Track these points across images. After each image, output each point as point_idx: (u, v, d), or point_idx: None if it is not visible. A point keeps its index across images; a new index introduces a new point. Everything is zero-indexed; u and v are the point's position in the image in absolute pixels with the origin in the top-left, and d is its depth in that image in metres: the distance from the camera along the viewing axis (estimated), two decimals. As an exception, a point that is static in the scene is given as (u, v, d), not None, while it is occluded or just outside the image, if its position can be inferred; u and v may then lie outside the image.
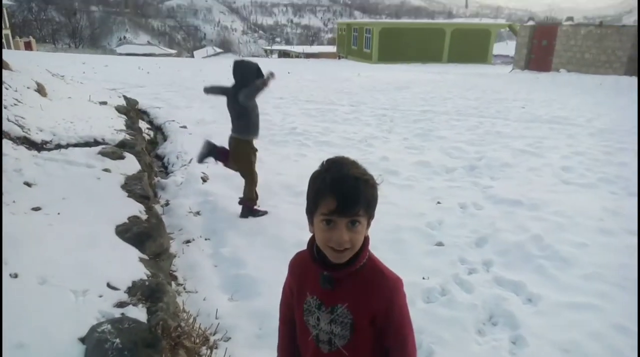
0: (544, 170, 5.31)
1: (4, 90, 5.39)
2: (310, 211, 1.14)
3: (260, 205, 4.17)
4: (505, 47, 42.29)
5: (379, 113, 9.10)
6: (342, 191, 1.05)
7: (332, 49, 48.84)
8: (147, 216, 3.29)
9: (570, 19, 19.04)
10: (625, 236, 3.53)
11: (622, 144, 6.50)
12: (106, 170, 3.89)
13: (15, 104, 5.16)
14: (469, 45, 31.20)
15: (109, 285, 2.29)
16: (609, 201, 4.34)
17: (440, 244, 3.45)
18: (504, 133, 7.24)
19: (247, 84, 3.63)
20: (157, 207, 4.02)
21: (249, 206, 3.90)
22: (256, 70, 3.65)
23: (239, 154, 3.88)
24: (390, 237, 3.49)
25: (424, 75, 18.65)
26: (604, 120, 8.30)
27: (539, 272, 3.04)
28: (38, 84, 6.35)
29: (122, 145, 4.77)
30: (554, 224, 3.72)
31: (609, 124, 7.97)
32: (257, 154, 4.07)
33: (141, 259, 2.67)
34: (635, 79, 14.72)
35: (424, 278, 2.95)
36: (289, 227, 3.64)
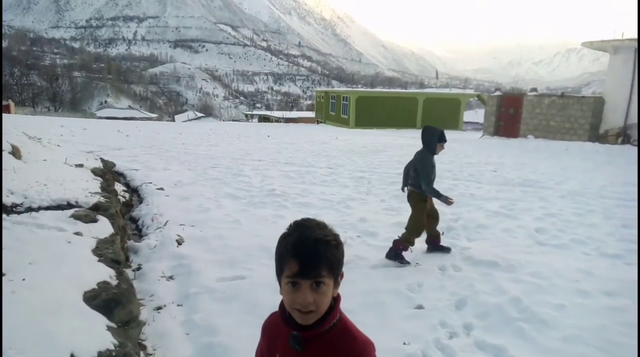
0: (519, 231, 5.41)
1: (-23, 152, 5.31)
2: (278, 274, 1.16)
3: (235, 267, 4.08)
4: (475, 115, 44.51)
5: (357, 175, 9.26)
6: (303, 254, 1.08)
7: (311, 114, 50.49)
8: (117, 281, 3.17)
9: (534, 89, 20.35)
10: (601, 297, 3.56)
11: (591, 206, 6.73)
12: (77, 233, 3.78)
13: (-13, 166, 5.06)
14: (441, 113, 32.75)
15: (72, 356, 2.14)
16: (583, 261, 4.41)
17: (420, 307, 3.40)
18: (477, 195, 7.43)
19: (430, 146, 4.52)
20: (129, 272, 3.87)
21: (402, 249, 4.30)
22: (439, 135, 4.52)
23: (415, 203, 4.62)
24: (369, 300, 3.42)
25: (399, 139, 19.31)
26: (573, 183, 8.64)
27: (519, 335, 2.99)
28: (13, 147, 6.29)
29: (96, 208, 4.68)
30: (531, 286, 3.73)
31: (578, 187, 8.29)
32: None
33: (109, 328, 2.52)
34: (598, 145, 15.57)
35: (404, 343, 2.87)
36: (266, 292, 3.53)
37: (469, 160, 11.87)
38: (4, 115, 31.42)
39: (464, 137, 21.99)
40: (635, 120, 16.00)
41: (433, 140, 4.38)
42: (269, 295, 3.45)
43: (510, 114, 19.82)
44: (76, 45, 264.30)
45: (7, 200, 4.45)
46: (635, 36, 16.34)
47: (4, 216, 4.05)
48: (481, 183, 8.59)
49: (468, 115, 40.55)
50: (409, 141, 18.10)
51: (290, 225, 1.17)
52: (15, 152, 6.25)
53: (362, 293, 3.49)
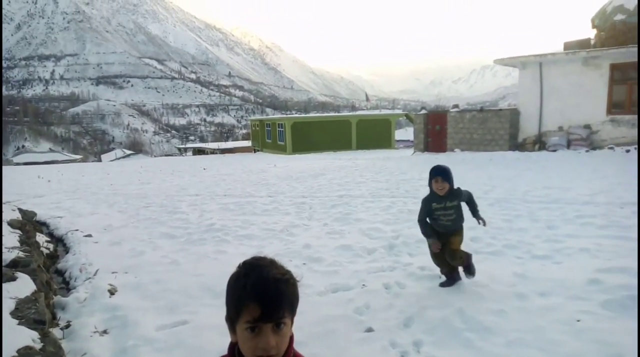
0: (456, 242, 5.61)
1: None
2: (231, 319, 1.10)
3: (176, 312, 3.85)
4: (405, 133, 46.58)
5: (298, 201, 9.24)
6: (265, 297, 1.03)
7: (247, 143, 50.22)
8: (42, 344, 2.86)
9: (456, 106, 21.70)
10: (536, 298, 3.74)
11: (518, 212, 7.17)
12: (-9, 296, 3.38)
13: None
14: (374, 133, 33.96)
15: None
16: (517, 265, 4.64)
17: (370, 329, 3.38)
18: (415, 211, 7.61)
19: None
20: (56, 332, 3.52)
21: (469, 261, 4.06)
22: (430, 172, 4.09)
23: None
24: (319, 330, 3.35)
25: (337, 162, 19.65)
26: (499, 191, 9.19)
27: (467, 345, 3.06)
28: None
29: (14, 264, 4.25)
30: (472, 295, 3.85)
31: (504, 194, 8.82)
32: None
33: (31, 401, 2.25)
34: (518, 153, 16.80)
35: (358, 370, 2.82)
36: (211, 334, 3.35)
37: (403, 177, 12.29)
38: None
39: (397, 155, 22.85)
40: (548, 129, 17.52)
41: (429, 179, 4.00)
42: (214, 338, 3.28)
43: (437, 130, 20.93)
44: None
45: None
46: (538, 52, 18.06)
47: None
48: (417, 198, 8.87)
49: (399, 134, 42.37)
50: (347, 163, 18.47)
51: (242, 265, 1.13)
52: None
53: (312, 323, 3.41)
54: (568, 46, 18.13)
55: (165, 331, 3.52)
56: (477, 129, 19.24)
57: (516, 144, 18.32)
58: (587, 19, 20.22)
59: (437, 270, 4.56)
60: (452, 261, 3.96)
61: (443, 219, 3.93)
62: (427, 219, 4.01)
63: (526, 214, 6.93)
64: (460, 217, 3.99)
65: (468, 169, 13.37)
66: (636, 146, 14.52)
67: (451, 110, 20.86)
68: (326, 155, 26.58)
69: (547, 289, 3.91)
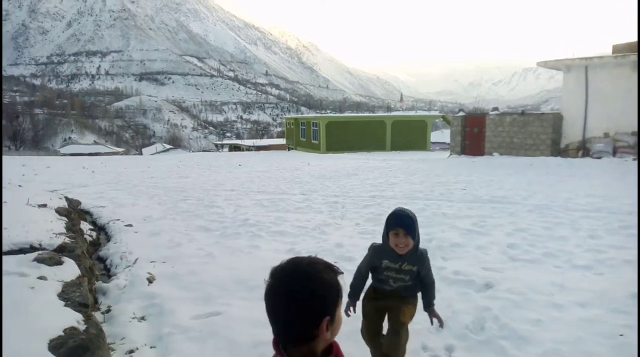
0: (492, 248, 5.49)
1: None
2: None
3: (210, 303, 3.95)
4: (441, 135, 45.75)
5: (330, 200, 9.27)
6: (280, 321, 1.11)
7: (282, 141, 50.72)
8: (85, 326, 3.00)
9: (495, 108, 21.17)
10: (575, 309, 3.62)
11: (559, 219, 6.92)
12: (41, 278, 3.58)
13: (-59, 212, 4.80)
14: (409, 134, 33.54)
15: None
16: (556, 275, 4.49)
17: (400, 332, 3.36)
18: (449, 214, 7.54)
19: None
20: (98, 315, 3.69)
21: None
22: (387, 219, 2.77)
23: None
24: (349, 329, 3.33)
25: (370, 162, 19.56)
26: (539, 197, 8.90)
27: (500, 353, 2.99)
28: (-30, 189, 6.00)
29: (61, 249, 4.48)
30: (508, 302, 3.76)
31: (544, 201, 8.54)
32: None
33: (76, 378, 2.37)
34: (560, 159, 16.20)
35: (388, 371, 2.81)
36: (244, 327, 3.43)
37: (438, 180, 12.10)
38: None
39: (432, 157, 22.50)
40: (593, 135, 16.80)
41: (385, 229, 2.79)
42: (246, 330, 3.35)
43: (474, 133, 20.47)
44: (37, 82, 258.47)
45: (-37, 247, 4.20)
46: (584, 55, 17.33)
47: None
48: (452, 201, 8.74)
49: (435, 136, 41.67)
50: (380, 164, 18.36)
51: (273, 272, 1.17)
52: (-28, 195, 5.96)
53: (344, 322, 3.42)
54: (617, 49, 17.31)
55: (199, 321, 3.63)
56: (517, 133, 18.68)
57: (558, 150, 17.67)
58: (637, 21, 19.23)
59: (473, 275, 4.48)
60: (391, 342, 2.69)
61: (392, 284, 2.76)
62: (368, 273, 2.88)
63: (567, 222, 6.68)
64: (416, 286, 2.82)
65: (507, 174, 13.02)
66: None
67: (491, 113, 20.35)
68: (360, 156, 26.49)
69: (587, 300, 3.77)
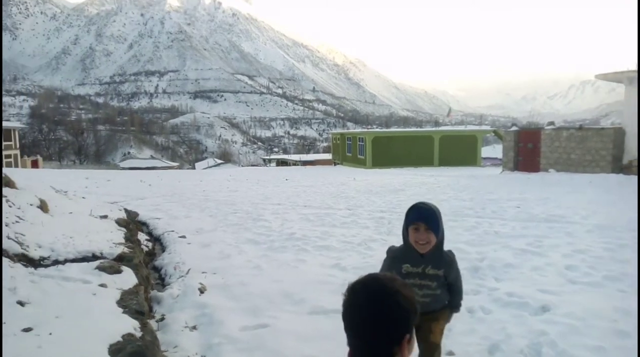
0: (548, 269, 5.23)
1: (8, 208, 5.49)
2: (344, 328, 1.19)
3: (258, 315, 4.02)
4: (493, 151, 44.31)
5: (377, 215, 9.20)
6: (363, 337, 1.13)
7: (328, 156, 51.06)
8: (141, 333, 3.15)
9: (551, 123, 20.28)
10: (643, 338, 3.36)
11: (622, 240, 6.49)
12: (102, 285, 3.81)
13: (17, 222, 5.22)
14: (458, 150, 32.74)
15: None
16: (619, 299, 4.20)
17: (450, 353, 3.26)
18: (502, 233, 7.26)
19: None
20: (152, 323, 3.85)
21: None
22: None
23: None
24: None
25: (418, 178, 19.25)
26: (600, 217, 8.39)
27: (560, 381, 2.83)
28: (41, 201, 6.49)
29: (120, 258, 4.73)
30: (566, 327, 3.56)
31: (606, 221, 8.04)
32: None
33: (133, 382, 2.49)
34: (622, 177, 15.21)
35: (437, 393, 2.73)
36: (290, 341, 3.46)
37: (490, 197, 11.70)
38: (33, 170, 32.74)
39: (483, 173, 21.81)
40: (659, 150, 15.67)
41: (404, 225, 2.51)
42: (293, 344, 3.38)
43: (529, 148, 19.68)
44: (100, 100, 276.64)
45: (35, 253, 4.54)
46: (650, 66, 16.30)
47: (32, 270, 4.12)
48: (505, 220, 8.42)
49: (486, 151, 40.42)
50: (428, 179, 18.02)
51: (351, 287, 1.20)
52: (43, 206, 6.44)
53: (389, 339, 3.37)
54: (688, 59, 16.14)
55: (247, 332, 3.70)
56: (575, 148, 17.77)
57: (620, 167, 16.60)
58: None
59: (528, 297, 4.29)
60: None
61: (419, 293, 2.39)
62: None
63: (632, 244, 6.24)
64: (445, 293, 2.53)
65: (565, 192, 12.39)
66: None
67: (546, 127, 19.51)
68: (406, 171, 26.14)
69: (657, 329, 3.49)
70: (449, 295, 2.55)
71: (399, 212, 9.66)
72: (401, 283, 1.17)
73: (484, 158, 36.55)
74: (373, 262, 5.67)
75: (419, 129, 43.95)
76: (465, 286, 4.76)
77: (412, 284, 2.35)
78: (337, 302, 4.17)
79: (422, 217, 2.36)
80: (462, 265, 5.50)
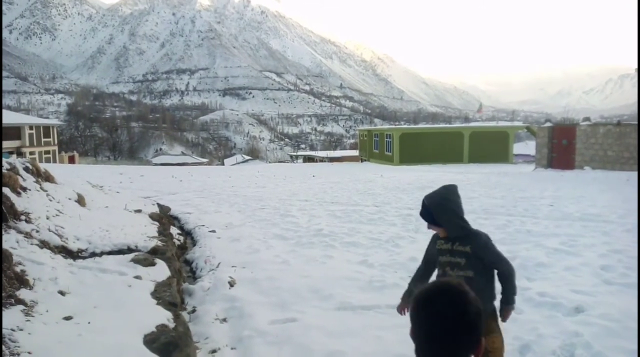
0: (582, 269, 5.08)
1: (49, 201, 5.75)
2: (415, 339, 1.18)
3: (286, 309, 4.08)
4: (525, 147, 43.12)
5: (404, 213, 9.12)
6: (440, 343, 1.11)
7: (355, 152, 50.89)
8: (174, 324, 3.25)
9: (587, 119, 19.58)
10: (684, 342, 3.23)
11: (663, 241, 6.22)
12: (137, 277, 3.95)
13: (56, 215, 5.46)
14: (489, 146, 31.99)
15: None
16: (659, 302, 4.04)
17: (479, 352, 3.22)
18: (534, 231, 7.09)
19: None
20: (184, 314, 3.97)
21: None
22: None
23: None
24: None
25: (446, 175, 18.95)
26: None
27: (594, 384, 2.76)
28: (78, 195, 6.76)
29: (154, 251, 4.88)
30: (602, 329, 3.45)
31: (645, 220, 7.71)
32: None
33: (167, 371, 2.58)
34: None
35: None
36: (317, 335, 3.50)
37: (522, 195, 11.42)
38: (70, 165, 33.93)
39: (515, 170, 21.28)
40: None
41: None
42: (321, 339, 3.41)
43: (563, 145, 19.07)
44: (134, 98, 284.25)
45: (74, 246, 4.75)
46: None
47: (71, 261, 4.31)
48: (538, 218, 8.20)
49: (518, 148, 39.34)
50: (458, 176, 17.73)
51: (427, 291, 1.18)
52: (80, 200, 6.71)
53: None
54: None
55: (276, 326, 3.76)
56: (612, 145, 17.09)
57: (663, 164, 15.86)
58: None
59: (561, 298, 4.19)
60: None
61: (451, 273, 2.47)
62: (423, 267, 2.80)
63: (674, 245, 5.97)
64: (484, 283, 2.48)
65: (601, 190, 11.95)
66: None
67: (581, 123, 18.84)
68: (435, 168, 25.77)
69: (700, 333, 3.35)
70: (500, 282, 2.54)
71: (427, 209, 9.55)
72: (469, 289, 1.18)
73: (516, 155, 35.59)
74: (401, 260, 5.65)
75: (448, 125, 43.25)
76: (496, 284, 4.70)
77: (444, 262, 2.49)
78: (364, 298, 4.19)
79: (422, 216, 2.56)
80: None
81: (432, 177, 17.93)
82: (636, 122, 17.93)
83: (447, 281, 1.20)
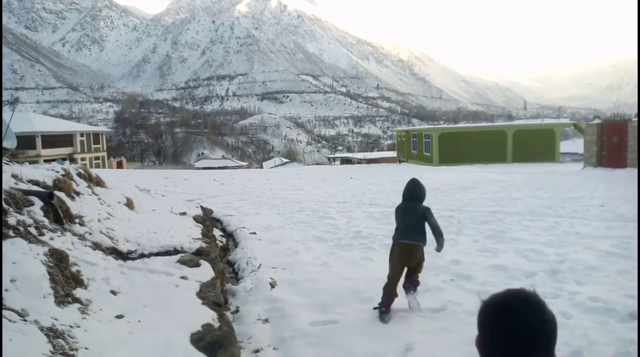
0: (637, 273, 4.80)
1: (100, 205, 6.05)
2: (482, 345, 1.15)
3: (327, 311, 4.10)
4: (573, 145, 41.27)
5: (445, 215, 8.94)
6: (519, 347, 1.06)
7: (392, 154, 50.36)
8: (219, 323, 3.35)
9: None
10: None
11: None
12: (183, 277, 4.09)
13: (107, 218, 5.74)
14: (534, 145, 30.81)
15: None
16: None
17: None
18: (584, 233, 6.77)
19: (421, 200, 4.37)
20: (228, 314, 4.07)
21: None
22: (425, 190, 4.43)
23: (420, 256, 4.21)
24: (467, 351, 3.21)
25: (489, 175, 18.42)
26: (701, 217, 7.53)
27: (653, 395, 2.61)
28: (127, 199, 7.07)
29: (198, 253, 5.04)
30: (661, 337, 3.26)
31: None
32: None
33: (213, 369, 2.66)
34: None
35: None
36: (360, 338, 3.50)
37: (571, 195, 10.94)
38: (118, 170, 35.54)
39: (562, 170, 20.41)
40: None
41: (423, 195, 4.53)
42: (362, 342, 3.41)
43: (614, 142, 18.10)
44: (177, 104, 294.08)
45: (124, 247, 4.98)
46: None
47: (121, 262, 4.52)
48: (588, 220, 7.83)
49: (565, 146, 37.70)
50: (501, 176, 17.20)
51: (503, 297, 1.14)
52: (129, 204, 7.02)
53: (461, 343, 3.30)
54: None
55: (317, 327, 3.79)
56: (670, 141, 16.06)
57: None
58: None
59: (614, 303, 4.00)
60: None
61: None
62: None
63: None
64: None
65: (656, 189, 11.25)
66: None
67: (634, 119, 17.82)
68: (476, 168, 25.09)
69: None
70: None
71: (469, 211, 9.34)
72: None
73: (563, 153, 34.09)
74: (442, 263, 5.55)
75: (490, 124, 41.98)
76: (543, 289, 4.54)
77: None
78: (405, 302, 4.12)
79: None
80: (539, 267, 5.23)
81: (474, 177, 17.47)
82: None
83: (523, 290, 1.14)
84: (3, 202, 3.98)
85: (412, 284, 4.14)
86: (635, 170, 16.09)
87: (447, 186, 14.19)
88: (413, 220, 4.19)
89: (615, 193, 10.94)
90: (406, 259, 4.10)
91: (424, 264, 4.25)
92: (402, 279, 4.12)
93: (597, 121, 19.50)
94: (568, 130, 39.64)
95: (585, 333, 3.40)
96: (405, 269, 4.11)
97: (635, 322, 3.57)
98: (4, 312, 2.51)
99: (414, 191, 4.30)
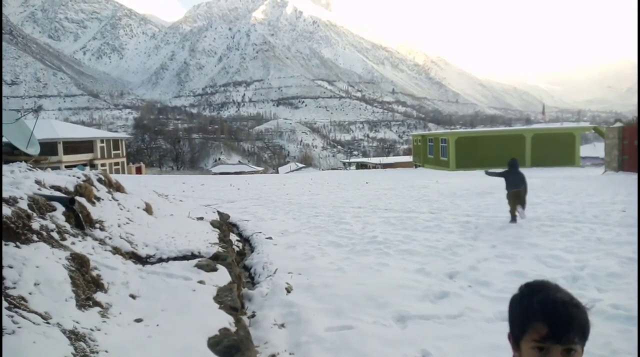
0: (663, 281, 4.68)
1: (119, 210, 6.17)
2: (516, 337, 1.13)
3: (342, 316, 4.10)
4: (594, 149, 40.47)
5: (462, 220, 8.87)
6: (553, 316, 1.05)
7: (408, 158, 50.12)
8: (236, 328, 3.37)
9: (663, 117, 18.05)
10: None
11: None
12: (201, 282, 4.13)
13: (127, 223, 5.84)
14: (553, 149, 30.27)
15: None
16: None
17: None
18: (605, 239, 6.63)
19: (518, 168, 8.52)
20: (245, 319, 4.10)
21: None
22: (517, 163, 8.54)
23: (524, 195, 8.30)
24: (486, 357, 3.18)
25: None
26: None
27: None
28: (146, 204, 7.18)
29: (216, 257, 5.09)
30: (686, 346, 3.17)
31: None
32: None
33: (230, 373, 2.68)
34: None
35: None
36: (375, 344, 3.48)
37: (591, 200, 10.72)
38: (137, 176, 36.09)
39: (582, 174, 20.00)
40: None
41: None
42: (378, 347, 3.40)
43: (635, 146, 17.68)
44: (194, 110, 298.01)
45: (143, 252, 5.06)
46: None
47: (140, 266, 4.60)
48: (609, 225, 7.67)
49: (585, 150, 36.99)
50: (518, 182, 16.93)
51: (526, 286, 1.17)
52: (148, 209, 7.13)
53: (477, 350, 3.26)
54: None
55: (333, 333, 3.79)
56: (696, 144, 15.62)
57: None
58: None
59: (636, 311, 3.91)
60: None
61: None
62: None
63: None
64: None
65: (682, 194, 10.94)
66: None
67: (658, 122, 17.40)
68: (495, 173, 24.74)
69: None
70: None
71: (487, 216, 9.24)
72: None
73: (583, 158, 33.42)
74: (460, 269, 5.50)
75: (507, 128, 41.43)
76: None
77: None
78: (422, 308, 4.13)
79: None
80: (558, 273, 5.14)
81: (492, 182, 17.25)
82: None
83: (544, 280, 1.17)
84: (27, 208, 4.09)
85: (522, 207, 8.19)
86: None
87: (464, 191, 14.06)
88: (518, 179, 8.31)
89: (637, 198, 10.67)
90: (516, 198, 8.17)
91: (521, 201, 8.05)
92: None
93: (618, 124, 19.09)
94: (588, 134, 38.85)
95: (607, 342, 3.33)
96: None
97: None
98: (28, 314, 2.58)
99: (516, 163, 8.57)
